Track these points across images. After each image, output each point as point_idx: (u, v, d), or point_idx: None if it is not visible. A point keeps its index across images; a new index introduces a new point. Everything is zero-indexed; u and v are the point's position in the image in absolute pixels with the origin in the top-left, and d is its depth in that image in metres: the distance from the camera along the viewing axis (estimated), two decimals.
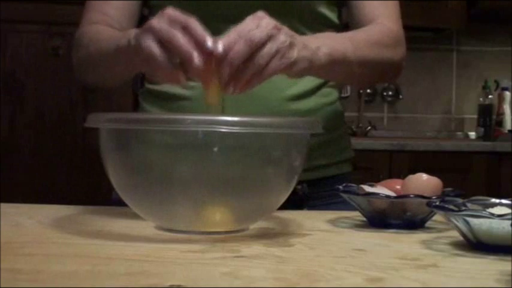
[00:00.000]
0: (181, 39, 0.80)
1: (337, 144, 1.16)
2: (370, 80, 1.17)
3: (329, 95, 1.15)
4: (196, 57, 0.79)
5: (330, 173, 1.14)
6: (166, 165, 0.74)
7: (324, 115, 1.12)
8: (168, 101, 1.11)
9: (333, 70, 0.98)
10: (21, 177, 2.76)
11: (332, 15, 1.14)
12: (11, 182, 2.70)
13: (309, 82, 1.10)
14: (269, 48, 0.82)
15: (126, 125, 0.76)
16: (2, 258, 0.63)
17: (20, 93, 2.78)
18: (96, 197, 2.63)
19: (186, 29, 0.81)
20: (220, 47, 0.80)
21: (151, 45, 0.82)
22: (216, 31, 0.85)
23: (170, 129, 0.73)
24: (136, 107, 1.25)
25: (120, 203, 0.82)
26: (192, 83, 0.98)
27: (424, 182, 0.87)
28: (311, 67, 0.91)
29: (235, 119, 0.71)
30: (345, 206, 0.98)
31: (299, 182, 0.92)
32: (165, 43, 0.81)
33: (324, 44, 0.94)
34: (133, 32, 0.89)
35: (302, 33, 0.97)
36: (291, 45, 0.86)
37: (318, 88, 1.13)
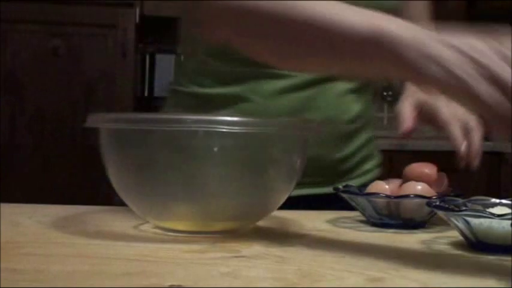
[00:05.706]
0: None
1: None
2: None
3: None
4: None
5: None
6: (166, 165, 0.74)
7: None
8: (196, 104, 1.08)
9: None
10: (21, 177, 2.77)
11: None
12: (11, 182, 2.70)
13: None
14: None
15: (126, 125, 0.76)
16: (2, 258, 0.63)
17: (20, 93, 2.78)
18: (96, 197, 2.63)
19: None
20: None
21: (479, 82, 0.60)
22: None
23: (170, 129, 0.73)
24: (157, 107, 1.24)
25: (122, 205, 0.82)
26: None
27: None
28: None
29: (235, 119, 0.71)
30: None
31: None
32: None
33: None
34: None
35: None
36: None
37: None
